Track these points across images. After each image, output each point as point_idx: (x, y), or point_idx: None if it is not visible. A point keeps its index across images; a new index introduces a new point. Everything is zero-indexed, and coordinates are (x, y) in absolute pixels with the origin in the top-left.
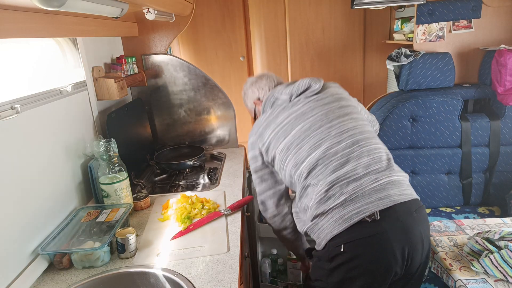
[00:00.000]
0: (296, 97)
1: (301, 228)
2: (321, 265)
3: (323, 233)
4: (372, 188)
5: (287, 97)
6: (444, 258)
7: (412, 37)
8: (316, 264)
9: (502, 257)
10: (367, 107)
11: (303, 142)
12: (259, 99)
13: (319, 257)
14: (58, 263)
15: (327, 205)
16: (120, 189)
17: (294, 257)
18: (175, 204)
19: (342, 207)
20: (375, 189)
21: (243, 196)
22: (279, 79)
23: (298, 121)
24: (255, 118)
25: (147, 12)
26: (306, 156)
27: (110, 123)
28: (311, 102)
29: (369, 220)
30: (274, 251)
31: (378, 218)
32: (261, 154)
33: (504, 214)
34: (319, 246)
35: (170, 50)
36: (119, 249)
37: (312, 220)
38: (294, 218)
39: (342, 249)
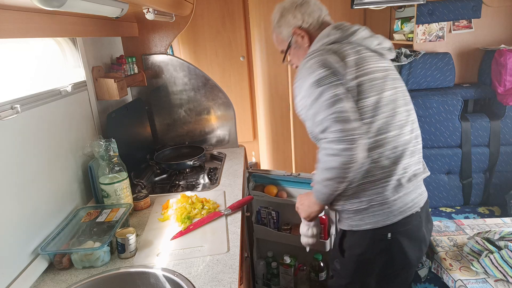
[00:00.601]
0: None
1: (345, 204)
2: (358, 257)
3: (373, 218)
4: (417, 185)
5: (374, 43)
6: (444, 258)
7: (412, 37)
8: (349, 257)
9: (502, 257)
10: None
11: (391, 112)
12: (301, 27)
13: (354, 245)
14: (58, 263)
15: (391, 194)
16: (120, 189)
17: (287, 262)
18: (175, 204)
19: (400, 200)
20: (417, 185)
21: (243, 196)
22: (326, 9)
23: (388, 84)
24: (286, 52)
25: (147, 12)
26: (392, 129)
27: (110, 123)
28: (391, 69)
29: (414, 213)
30: (270, 254)
31: (420, 211)
32: (344, 78)
33: (504, 214)
34: (357, 227)
35: (171, 50)
36: (119, 249)
37: (364, 202)
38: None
39: (389, 237)
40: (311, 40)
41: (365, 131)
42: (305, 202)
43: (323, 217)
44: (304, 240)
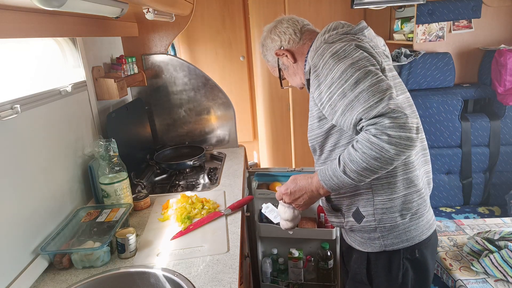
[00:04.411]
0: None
1: (381, 220)
2: (390, 283)
3: (409, 234)
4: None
5: (382, 43)
6: (444, 258)
7: (412, 37)
8: (380, 285)
9: (502, 257)
10: None
11: (414, 114)
12: (281, 47)
13: (384, 269)
14: (58, 263)
15: (424, 204)
16: (120, 189)
17: (295, 256)
18: (175, 204)
19: (430, 211)
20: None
21: (243, 196)
22: (304, 20)
23: (404, 87)
24: (280, 77)
25: (147, 12)
26: None
27: (110, 123)
28: (397, 75)
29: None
30: (275, 251)
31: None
32: (381, 67)
33: (504, 214)
34: (392, 246)
35: (175, 50)
36: (119, 249)
37: (407, 214)
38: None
39: (416, 254)
40: (295, 56)
41: None
42: (302, 184)
43: None
44: (283, 224)
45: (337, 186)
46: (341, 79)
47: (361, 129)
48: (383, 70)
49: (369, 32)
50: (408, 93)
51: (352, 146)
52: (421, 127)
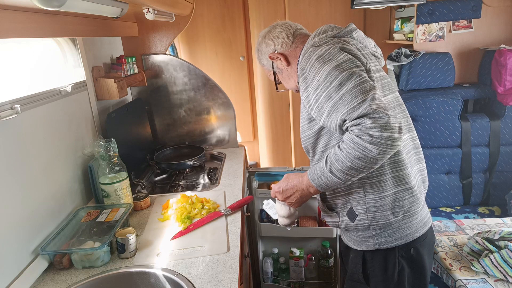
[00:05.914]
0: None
1: (370, 218)
2: (385, 282)
3: (402, 232)
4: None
5: (371, 44)
6: (444, 258)
7: (412, 37)
8: (377, 284)
9: (502, 257)
10: None
11: (403, 113)
12: (275, 51)
13: (380, 267)
14: (58, 263)
15: (418, 202)
16: (120, 189)
17: (296, 254)
18: (175, 204)
19: (424, 209)
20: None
21: (243, 196)
22: (297, 24)
23: (394, 87)
24: (275, 80)
25: (147, 12)
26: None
27: (110, 123)
28: (385, 75)
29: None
30: (275, 250)
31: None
32: (366, 68)
33: (504, 214)
34: (386, 244)
35: (175, 51)
36: (119, 249)
37: (399, 212)
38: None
39: (411, 252)
40: (289, 59)
41: None
42: (293, 183)
43: None
44: (280, 220)
45: (325, 185)
46: (326, 81)
47: (346, 130)
48: (368, 71)
49: (358, 34)
50: (397, 93)
51: (338, 146)
52: (412, 126)
